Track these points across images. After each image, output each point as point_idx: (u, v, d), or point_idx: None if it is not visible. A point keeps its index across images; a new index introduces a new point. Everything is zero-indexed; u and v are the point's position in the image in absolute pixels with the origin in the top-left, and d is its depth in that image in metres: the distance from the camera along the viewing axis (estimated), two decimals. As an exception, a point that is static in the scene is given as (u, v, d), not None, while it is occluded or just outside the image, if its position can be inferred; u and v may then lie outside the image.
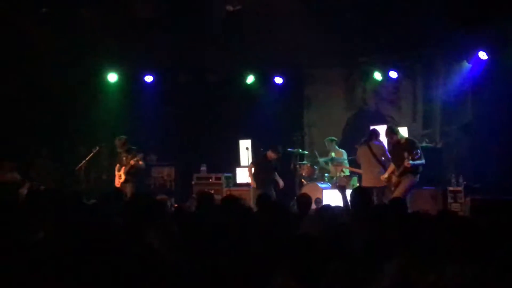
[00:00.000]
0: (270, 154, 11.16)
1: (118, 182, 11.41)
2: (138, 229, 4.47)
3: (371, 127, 10.95)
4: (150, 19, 11.64)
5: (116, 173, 11.47)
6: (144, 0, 11.43)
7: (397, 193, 9.17)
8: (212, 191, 11.24)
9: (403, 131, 10.61)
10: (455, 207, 10.22)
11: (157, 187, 13.07)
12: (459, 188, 10.40)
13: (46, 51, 12.01)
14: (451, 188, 10.50)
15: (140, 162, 11.26)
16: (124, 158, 11.34)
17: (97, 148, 11.90)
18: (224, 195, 12.00)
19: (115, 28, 11.86)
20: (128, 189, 11.09)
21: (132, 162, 11.13)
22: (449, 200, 10.45)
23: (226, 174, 13.03)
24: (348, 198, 6.62)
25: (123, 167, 11.31)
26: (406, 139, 9.84)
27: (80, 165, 11.83)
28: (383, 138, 10.25)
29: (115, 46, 12.33)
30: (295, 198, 7.96)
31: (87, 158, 11.83)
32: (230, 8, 11.36)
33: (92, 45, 12.28)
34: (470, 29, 10.44)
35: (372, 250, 3.60)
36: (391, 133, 9.74)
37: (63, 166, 12.65)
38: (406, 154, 9.20)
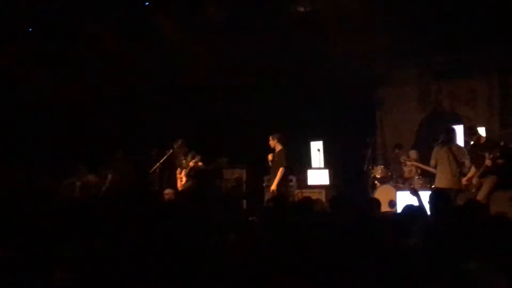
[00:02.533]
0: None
1: (180, 185, 11.65)
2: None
3: (450, 126, 10.24)
4: (221, 22, 11.73)
5: (178, 175, 11.70)
6: (216, 3, 11.52)
7: (481, 195, 8.87)
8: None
9: (481, 131, 10.27)
10: (535, 210, 9.85)
11: (229, 189, 13.12)
12: (539, 190, 10.00)
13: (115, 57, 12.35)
14: (530, 190, 10.11)
15: (200, 164, 11.49)
16: (183, 161, 11.58)
17: (171, 150, 12.03)
18: (295, 196, 11.99)
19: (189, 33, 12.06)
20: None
21: (191, 163, 11.38)
22: (529, 203, 10.07)
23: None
24: (425, 200, 6.47)
25: (183, 170, 11.56)
26: (486, 138, 9.53)
27: (154, 168, 12.00)
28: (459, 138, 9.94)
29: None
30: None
31: (161, 161, 11.99)
32: (301, 9, 11.32)
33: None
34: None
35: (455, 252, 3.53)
36: (471, 133, 9.45)
37: (137, 168, 12.88)
38: (487, 154, 8.91)
